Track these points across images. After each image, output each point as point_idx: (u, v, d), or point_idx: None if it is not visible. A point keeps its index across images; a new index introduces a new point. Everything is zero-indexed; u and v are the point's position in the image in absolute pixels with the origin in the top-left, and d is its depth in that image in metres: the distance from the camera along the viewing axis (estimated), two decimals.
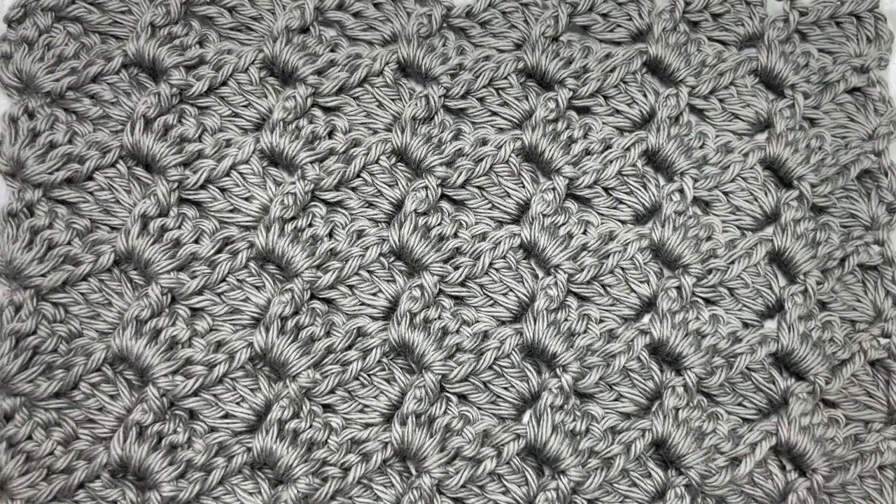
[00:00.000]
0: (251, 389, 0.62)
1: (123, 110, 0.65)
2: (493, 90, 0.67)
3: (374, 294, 0.64)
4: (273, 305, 0.62)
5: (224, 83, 0.66)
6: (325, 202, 0.65)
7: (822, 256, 0.65)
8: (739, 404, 0.64)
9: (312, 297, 0.63)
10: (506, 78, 0.67)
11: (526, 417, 0.63)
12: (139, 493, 0.60)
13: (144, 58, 0.65)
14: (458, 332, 0.63)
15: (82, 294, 0.63)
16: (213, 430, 0.61)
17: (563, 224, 0.65)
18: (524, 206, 0.66)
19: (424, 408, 0.61)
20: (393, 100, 0.67)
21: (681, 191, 0.66)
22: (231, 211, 0.64)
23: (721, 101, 0.68)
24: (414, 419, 0.61)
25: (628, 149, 0.67)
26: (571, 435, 0.61)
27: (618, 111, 0.68)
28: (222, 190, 0.64)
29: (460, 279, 0.64)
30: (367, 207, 0.65)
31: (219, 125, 0.65)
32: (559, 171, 0.65)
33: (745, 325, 0.65)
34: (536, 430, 0.61)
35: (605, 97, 0.68)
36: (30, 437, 0.60)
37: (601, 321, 0.64)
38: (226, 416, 0.61)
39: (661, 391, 0.62)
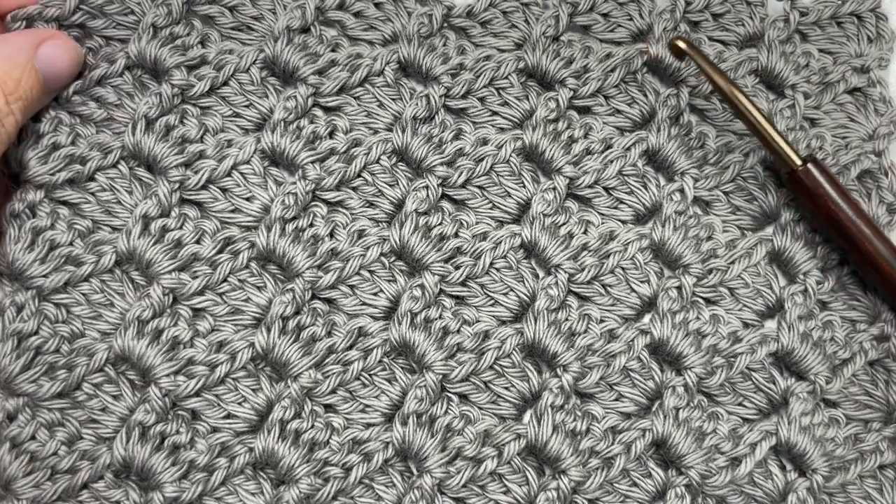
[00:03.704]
0: (253, 390, 0.62)
1: (127, 112, 0.65)
2: (494, 90, 0.67)
3: (375, 294, 0.64)
4: (274, 306, 0.62)
5: (225, 83, 0.66)
6: (326, 202, 0.65)
7: (822, 256, 0.65)
8: (740, 404, 0.64)
9: (313, 297, 0.63)
10: (506, 78, 0.67)
11: (527, 417, 0.63)
12: (142, 494, 0.60)
13: (146, 59, 0.64)
14: (458, 331, 0.63)
15: (84, 294, 0.63)
16: (215, 430, 0.61)
17: (564, 224, 0.65)
18: (525, 206, 0.66)
19: (425, 408, 0.61)
20: (394, 99, 0.67)
21: (681, 190, 0.66)
22: (232, 211, 0.64)
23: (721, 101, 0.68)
24: (415, 419, 0.61)
25: (629, 148, 0.67)
26: (572, 435, 0.61)
27: (618, 111, 0.68)
28: (223, 190, 0.64)
29: (461, 279, 0.64)
30: (367, 207, 0.65)
31: (220, 125, 0.65)
32: (560, 170, 0.65)
33: (746, 325, 0.65)
34: (537, 429, 0.61)
35: (606, 97, 0.68)
36: (33, 438, 0.60)
37: (602, 321, 0.64)
38: (228, 416, 0.61)
39: (662, 391, 0.63)
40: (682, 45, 0.63)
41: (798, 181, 0.62)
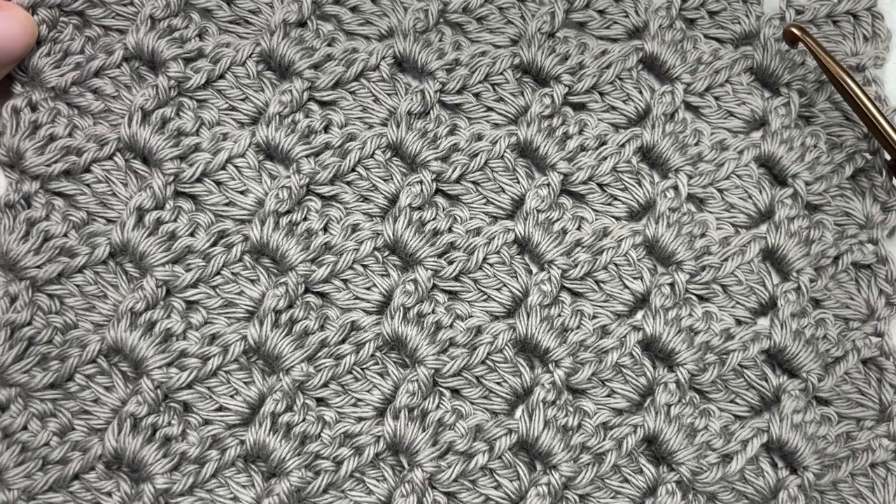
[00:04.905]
0: (245, 382, 0.62)
1: (124, 104, 0.65)
2: (489, 85, 0.67)
3: (368, 288, 0.64)
4: (267, 299, 0.62)
5: (222, 76, 0.66)
6: (320, 196, 0.65)
7: (816, 254, 0.65)
8: (731, 401, 0.64)
9: (306, 290, 0.63)
10: (502, 73, 0.67)
11: (518, 412, 0.63)
12: (133, 485, 0.60)
13: (144, 50, 0.65)
14: (451, 326, 0.63)
15: (77, 286, 0.63)
16: (207, 422, 0.61)
17: (558, 220, 0.65)
18: (519, 202, 0.66)
19: (417, 402, 0.61)
20: (389, 94, 0.67)
21: (675, 188, 0.66)
22: (226, 204, 0.64)
23: (717, 98, 0.68)
24: (407, 413, 0.61)
25: (623, 145, 0.67)
26: (563, 430, 0.61)
27: (613, 108, 0.68)
28: (218, 183, 0.64)
29: (454, 274, 0.64)
30: (361, 202, 0.65)
31: (216, 118, 0.65)
32: (554, 166, 0.65)
33: (738, 322, 0.65)
34: (528, 424, 0.61)
35: (601, 93, 0.68)
36: (25, 428, 0.60)
37: (594, 317, 0.64)
38: (220, 408, 0.61)
39: (654, 387, 0.63)
40: (796, 31, 0.65)
41: None
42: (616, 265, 0.65)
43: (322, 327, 0.63)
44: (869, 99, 0.63)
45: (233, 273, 0.63)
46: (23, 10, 0.63)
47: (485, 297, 0.64)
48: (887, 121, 0.62)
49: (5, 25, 0.61)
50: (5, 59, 0.62)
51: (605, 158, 0.66)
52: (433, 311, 0.63)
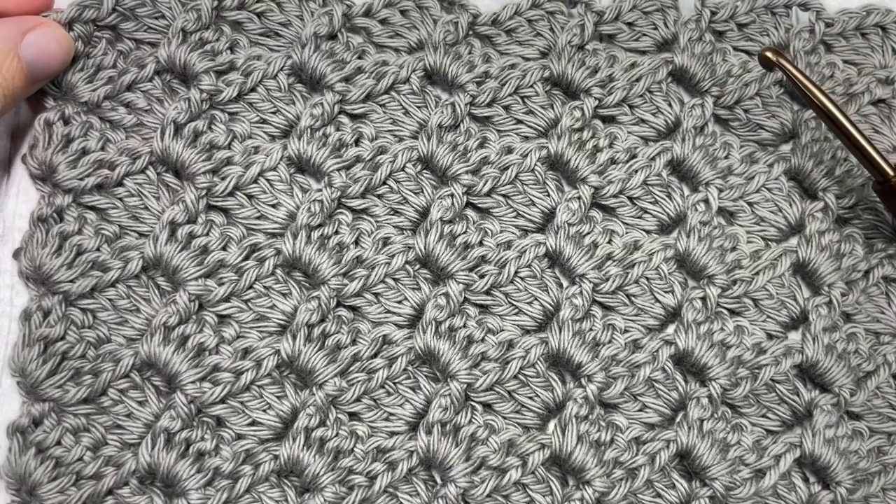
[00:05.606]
0: (278, 397, 0.62)
1: (156, 117, 0.65)
2: (519, 98, 0.67)
3: (400, 302, 0.64)
4: (300, 313, 0.62)
5: (253, 89, 0.66)
6: (352, 209, 0.65)
7: (847, 268, 0.65)
8: (764, 416, 0.64)
9: (339, 304, 0.63)
10: (531, 86, 0.67)
11: (551, 427, 0.63)
12: (167, 501, 0.60)
13: (176, 63, 0.65)
14: (483, 340, 0.63)
15: (110, 300, 0.62)
16: (240, 437, 0.61)
17: (588, 233, 0.65)
18: (549, 215, 0.66)
19: (450, 416, 0.61)
20: (419, 107, 0.67)
21: (706, 201, 0.66)
22: (258, 218, 0.64)
23: (746, 111, 0.68)
24: (439, 428, 0.61)
25: (653, 158, 0.67)
26: (596, 445, 0.61)
27: (643, 120, 0.68)
28: (250, 197, 0.64)
29: (485, 288, 0.64)
30: (392, 215, 0.65)
31: (248, 132, 0.65)
32: (584, 180, 0.65)
33: (770, 337, 0.65)
34: (561, 439, 0.61)
35: (631, 106, 0.68)
36: (59, 443, 0.60)
37: (626, 331, 0.64)
38: (253, 423, 0.61)
39: (686, 402, 0.63)
40: (771, 55, 0.63)
41: (891, 191, 0.62)
42: (647, 279, 0.65)
43: (354, 341, 0.63)
44: (851, 123, 0.61)
45: (265, 287, 0.63)
46: (59, 26, 0.63)
47: (516, 311, 0.64)
48: (871, 145, 0.61)
49: (42, 42, 0.61)
50: (41, 75, 0.62)
51: (635, 171, 0.66)
52: (465, 325, 0.63)
